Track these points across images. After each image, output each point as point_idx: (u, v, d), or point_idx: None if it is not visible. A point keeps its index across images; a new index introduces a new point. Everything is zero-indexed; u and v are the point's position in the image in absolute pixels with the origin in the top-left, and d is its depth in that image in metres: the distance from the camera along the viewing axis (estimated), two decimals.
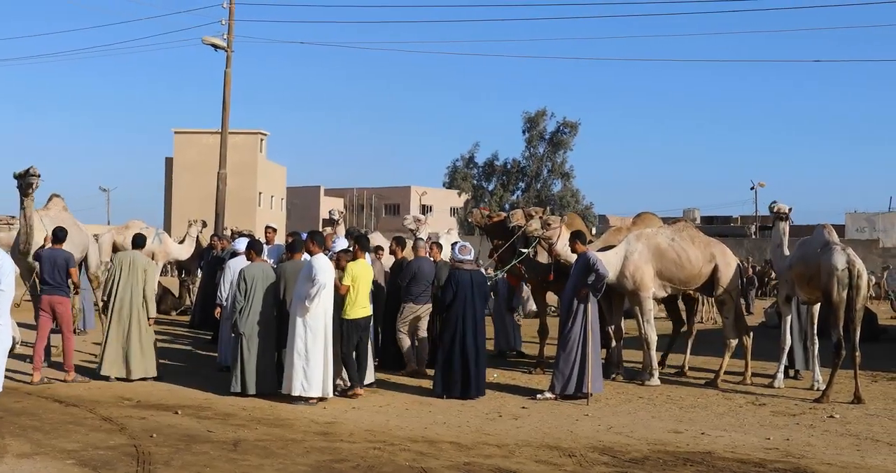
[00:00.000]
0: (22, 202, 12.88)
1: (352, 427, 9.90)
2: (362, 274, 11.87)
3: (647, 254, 13.24)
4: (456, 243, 13.07)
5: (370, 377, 12.40)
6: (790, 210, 13.57)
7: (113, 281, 12.47)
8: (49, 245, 13.04)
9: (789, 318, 13.34)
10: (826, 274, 12.07)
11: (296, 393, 11.13)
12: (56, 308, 12.34)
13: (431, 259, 13.96)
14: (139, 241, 12.97)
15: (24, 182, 12.60)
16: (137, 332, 12.41)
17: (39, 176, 12.60)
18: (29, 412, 10.27)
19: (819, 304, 13.10)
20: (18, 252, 13.27)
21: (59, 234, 12.67)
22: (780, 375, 13.17)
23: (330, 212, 18.04)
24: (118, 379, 12.32)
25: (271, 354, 11.73)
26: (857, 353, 12.03)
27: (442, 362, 12.03)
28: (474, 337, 11.99)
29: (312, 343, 11.17)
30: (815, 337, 13.37)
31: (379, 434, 9.50)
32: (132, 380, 12.32)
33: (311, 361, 11.12)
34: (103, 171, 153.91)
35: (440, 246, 14.67)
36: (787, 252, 13.30)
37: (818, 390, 12.46)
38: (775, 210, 13.58)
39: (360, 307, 11.85)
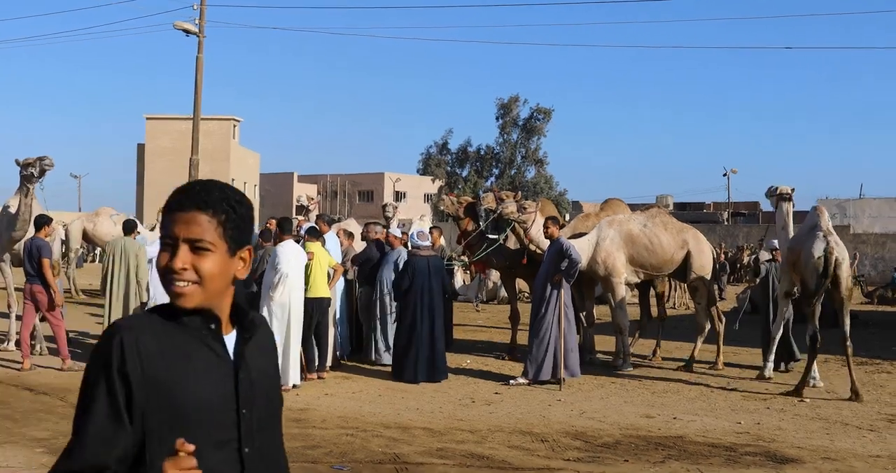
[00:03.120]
0: (27, 189, 12.97)
1: (324, 413, 9.89)
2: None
3: (619, 241, 13.25)
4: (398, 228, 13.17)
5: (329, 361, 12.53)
6: (793, 190, 12.84)
7: (107, 269, 12.56)
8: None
9: (786, 310, 12.63)
10: (803, 260, 11.61)
11: None
12: (37, 296, 12.28)
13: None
14: (129, 227, 13.04)
15: (38, 169, 12.78)
16: None
17: (53, 166, 12.88)
18: None
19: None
20: (8, 239, 13.24)
21: (40, 221, 12.62)
22: (770, 365, 12.60)
23: (298, 198, 17.97)
24: None
25: None
26: (849, 344, 11.41)
27: (396, 347, 12.19)
28: (431, 323, 12.07)
29: (277, 331, 11.12)
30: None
31: (352, 421, 9.50)
32: None
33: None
34: (74, 158, 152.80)
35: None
36: (789, 236, 12.62)
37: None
38: (779, 191, 12.82)
39: (314, 287, 11.81)
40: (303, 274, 11.37)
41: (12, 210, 13.34)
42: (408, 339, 11.99)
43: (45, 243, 12.41)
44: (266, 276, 11.29)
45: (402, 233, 14.07)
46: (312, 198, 17.70)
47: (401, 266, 12.75)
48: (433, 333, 12.10)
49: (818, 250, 11.43)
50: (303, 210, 17.62)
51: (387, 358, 12.90)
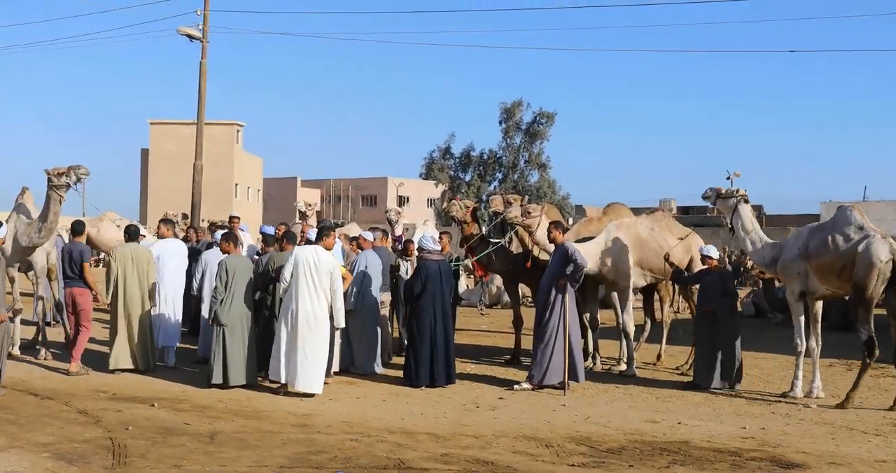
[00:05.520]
0: (59, 198, 13.05)
1: (329, 418, 9.89)
2: None
3: (629, 244, 13.21)
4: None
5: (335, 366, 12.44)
6: (745, 192, 12.44)
7: (116, 276, 12.50)
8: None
9: (801, 318, 11.80)
10: (864, 265, 10.80)
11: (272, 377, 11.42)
12: (77, 299, 12.55)
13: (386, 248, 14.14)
14: (134, 233, 12.97)
15: (74, 179, 12.93)
16: (146, 324, 12.69)
17: (89, 174, 13.05)
18: (4, 405, 10.19)
19: (821, 301, 11.89)
20: (26, 245, 13.26)
21: (78, 228, 13.00)
22: (799, 383, 11.74)
23: (296, 203, 17.79)
24: (124, 370, 12.48)
25: (252, 345, 11.71)
26: None
27: (411, 352, 12.15)
28: (443, 327, 12.10)
29: (277, 331, 11.36)
30: (819, 338, 11.90)
31: (356, 426, 9.49)
32: (141, 372, 12.50)
33: (278, 349, 11.27)
34: (79, 163, 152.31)
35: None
36: (765, 237, 12.27)
37: (817, 397, 11.56)
38: (740, 193, 12.33)
39: None
40: (323, 278, 11.31)
41: (30, 217, 13.48)
42: (424, 344, 11.97)
43: (87, 247, 12.89)
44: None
45: (391, 234, 14.12)
46: (311, 204, 17.56)
47: (364, 269, 12.88)
48: (447, 337, 12.13)
49: (884, 254, 10.79)
50: (303, 215, 17.57)
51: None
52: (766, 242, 12.26)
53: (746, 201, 12.40)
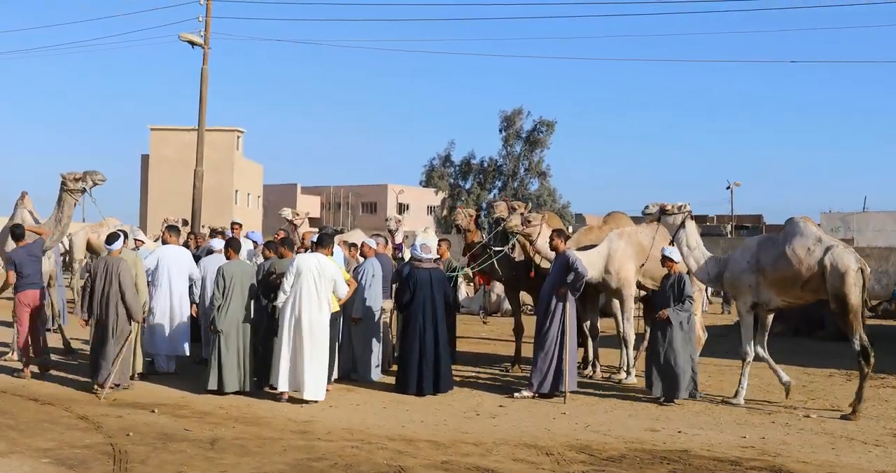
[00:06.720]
0: (74, 202, 13.36)
1: (329, 425, 9.89)
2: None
3: (631, 252, 13.22)
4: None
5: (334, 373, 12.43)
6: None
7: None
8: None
9: (752, 328, 11.82)
10: (836, 275, 10.95)
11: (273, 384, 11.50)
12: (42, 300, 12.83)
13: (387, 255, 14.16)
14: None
15: (90, 184, 13.18)
16: (135, 328, 12.49)
17: (105, 180, 13.35)
18: (4, 410, 10.21)
19: (772, 313, 11.99)
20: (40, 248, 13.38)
21: (18, 231, 12.99)
22: (743, 391, 11.76)
23: (281, 212, 17.29)
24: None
25: (249, 352, 11.70)
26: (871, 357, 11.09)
27: (400, 359, 12.24)
28: (433, 335, 12.10)
29: (277, 338, 11.41)
30: (765, 345, 11.96)
31: (356, 433, 9.50)
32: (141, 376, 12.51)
33: (280, 357, 11.30)
34: (78, 168, 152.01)
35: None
36: (707, 253, 12.25)
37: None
38: (687, 209, 12.28)
39: None
40: (327, 286, 11.38)
41: (37, 222, 13.59)
42: (412, 351, 12.00)
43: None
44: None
45: (383, 242, 14.16)
46: (298, 213, 17.23)
47: (370, 277, 12.94)
48: (437, 344, 12.12)
49: (853, 262, 10.96)
50: (291, 224, 17.19)
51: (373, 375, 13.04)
52: (708, 258, 12.24)
53: (692, 218, 12.41)
